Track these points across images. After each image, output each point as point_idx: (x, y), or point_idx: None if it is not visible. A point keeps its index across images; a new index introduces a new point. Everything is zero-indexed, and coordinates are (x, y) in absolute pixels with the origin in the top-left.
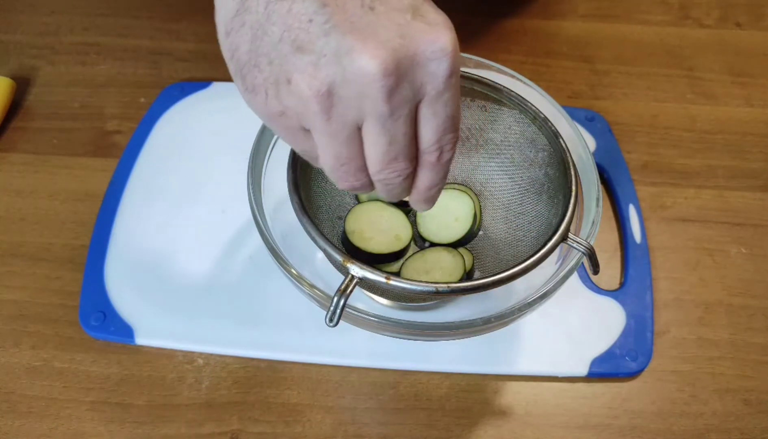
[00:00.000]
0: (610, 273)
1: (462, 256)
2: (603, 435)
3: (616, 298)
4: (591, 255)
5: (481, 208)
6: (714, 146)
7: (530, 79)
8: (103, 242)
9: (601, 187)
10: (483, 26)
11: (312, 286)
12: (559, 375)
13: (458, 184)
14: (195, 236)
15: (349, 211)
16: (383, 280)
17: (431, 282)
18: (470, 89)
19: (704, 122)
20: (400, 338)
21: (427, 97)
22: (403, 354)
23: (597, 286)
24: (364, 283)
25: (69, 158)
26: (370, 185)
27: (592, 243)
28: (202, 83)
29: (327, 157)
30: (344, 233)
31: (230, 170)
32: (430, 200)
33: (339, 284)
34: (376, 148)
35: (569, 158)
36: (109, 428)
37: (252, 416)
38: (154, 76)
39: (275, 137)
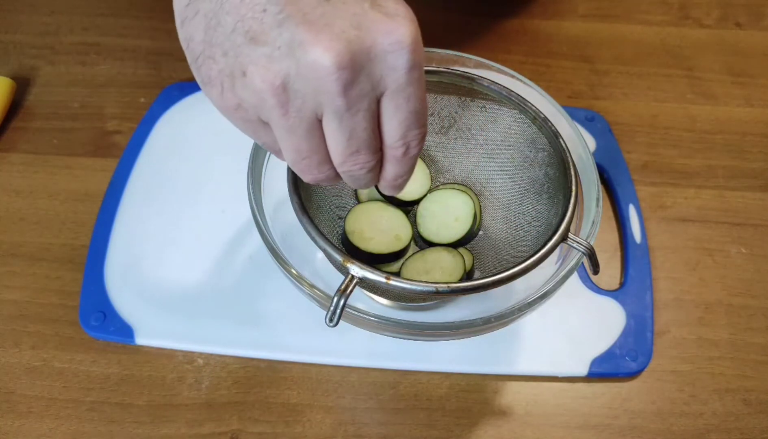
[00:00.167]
0: (610, 273)
1: (462, 256)
2: (603, 435)
3: (616, 298)
4: (591, 255)
5: (481, 208)
6: (714, 146)
7: (530, 79)
8: (103, 242)
9: (601, 187)
10: (483, 26)
11: (312, 286)
12: (559, 375)
13: (458, 184)
14: (195, 236)
15: (349, 211)
16: (383, 280)
17: (431, 282)
18: (470, 89)
19: (704, 122)
20: (400, 338)
21: (388, 91)
22: (403, 354)
23: (597, 286)
24: (364, 283)
25: (69, 158)
26: (336, 177)
27: (592, 243)
28: None
29: (288, 151)
30: (344, 232)
31: (230, 170)
32: (398, 188)
33: (339, 284)
34: (336, 142)
35: (569, 158)
36: (109, 428)
37: (252, 416)
38: (154, 76)
39: None
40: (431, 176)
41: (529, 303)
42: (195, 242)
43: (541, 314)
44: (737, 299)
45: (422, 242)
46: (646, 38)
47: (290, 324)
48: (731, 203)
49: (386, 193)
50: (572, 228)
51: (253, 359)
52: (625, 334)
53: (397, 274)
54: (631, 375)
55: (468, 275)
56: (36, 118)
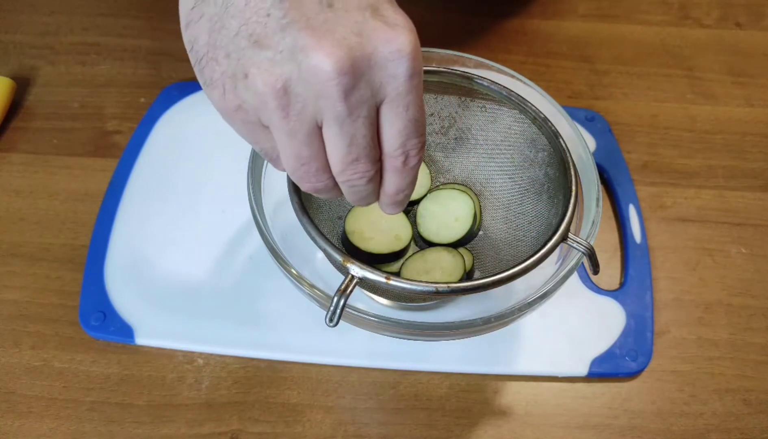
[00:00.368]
0: (610, 273)
1: (462, 256)
2: (603, 435)
3: (616, 298)
4: (591, 255)
5: (481, 208)
6: (714, 146)
7: (530, 79)
8: (103, 242)
9: (601, 187)
10: (483, 26)
11: (312, 286)
12: (559, 375)
13: (458, 184)
14: (195, 236)
15: (349, 211)
16: (383, 280)
17: (431, 282)
18: (470, 89)
19: (704, 122)
20: (400, 338)
21: (387, 98)
22: (403, 354)
23: (597, 286)
24: (364, 283)
25: (69, 158)
26: (335, 188)
27: (592, 243)
28: None
29: (287, 157)
30: (344, 233)
31: (230, 170)
32: (399, 204)
33: (339, 284)
34: (335, 149)
35: (569, 158)
36: (109, 428)
37: (252, 416)
38: (154, 76)
39: None
40: (431, 176)
41: (529, 303)
42: (195, 242)
43: (541, 314)
44: (737, 299)
45: (422, 242)
46: (646, 38)
47: (290, 324)
48: (731, 203)
49: (388, 211)
50: (572, 228)
51: (253, 359)
52: (625, 334)
53: (397, 274)
54: (631, 375)
55: (468, 275)
56: (36, 118)
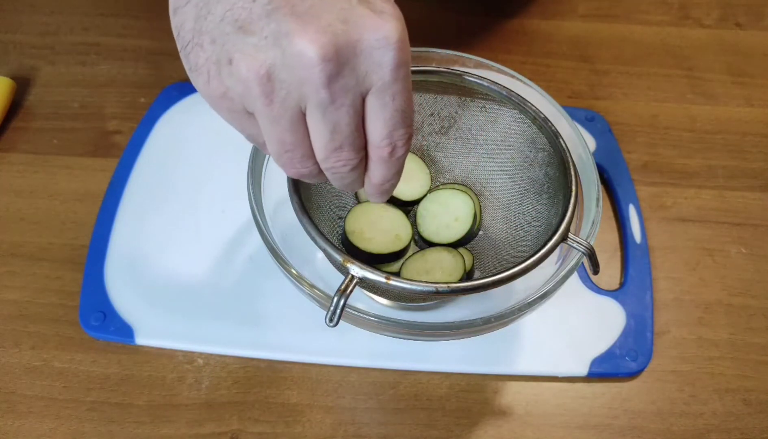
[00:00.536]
0: (610, 273)
1: (462, 256)
2: (603, 435)
3: (616, 298)
4: (591, 255)
5: (481, 208)
6: (714, 146)
7: (530, 79)
8: (103, 242)
9: (601, 187)
10: (483, 26)
11: (312, 286)
12: (559, 375)
13: (458, 184)
14: (195, 236)
15: (349, 211)
16: (383, 280)
17: (431, 282)
18: (470, 89)
19: (704, 122)
20: (400, 338)
21: (373, 88)
22: (403, 354)
23: (597, 286)
24: (364, 283)
25: (69, 158)
26: (320, 174)
27: (592, 243)
28: None
29: (272, 143)
30: (344, 232)
31: (230, 170)
32: (385, 194)
33: (339, 284)
34: (319, 136)
35: (569, 158)
36: (109, 428)
37: (252, 416)
38: (154, 76)
39: None
40: (431, 176)
41: (529, 303)
42: (195, 242)
43: (541, 314)
44: (737, 299)
45: (422, 242)
46: (646, 38)
47: (290, 324)
48: (731, 203)
49: (374, 200)
50: (572, 228)
51: (253, 359)
52: (625, 334)
53: (397, 274)
54: (631, 375)
55: (468, 275)
56: (36, 118)
